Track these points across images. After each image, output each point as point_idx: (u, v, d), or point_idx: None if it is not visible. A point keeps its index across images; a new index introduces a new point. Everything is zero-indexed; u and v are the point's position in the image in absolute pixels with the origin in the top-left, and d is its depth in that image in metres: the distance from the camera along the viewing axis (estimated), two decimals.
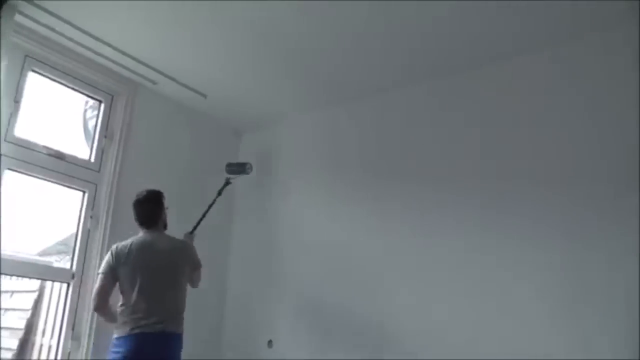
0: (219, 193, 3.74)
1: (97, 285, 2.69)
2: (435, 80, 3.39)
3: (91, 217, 3.27)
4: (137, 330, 2.54)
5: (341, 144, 3.80)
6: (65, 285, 3.16)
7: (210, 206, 3.61)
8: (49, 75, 3.22)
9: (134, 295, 2.61)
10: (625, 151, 2.58)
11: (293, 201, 3.95)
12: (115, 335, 2.61)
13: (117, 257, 2.69)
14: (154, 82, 3.60)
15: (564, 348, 2.53)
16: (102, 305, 2.65)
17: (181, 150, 3.94)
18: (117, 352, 2.53)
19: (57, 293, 3.27)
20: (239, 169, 3.94)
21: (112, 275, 2.68)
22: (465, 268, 2.96)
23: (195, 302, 3.75)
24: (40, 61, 3.13)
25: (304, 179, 3.94)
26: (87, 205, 3.29)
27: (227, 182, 3.84)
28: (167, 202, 2.96)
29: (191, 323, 3.68)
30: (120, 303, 2.68)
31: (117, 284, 2.70)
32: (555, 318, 2.60)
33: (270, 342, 3.68)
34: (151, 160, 3.68)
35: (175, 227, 3.63)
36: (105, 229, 3.27)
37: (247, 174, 3.94)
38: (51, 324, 3.19)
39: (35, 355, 3.16)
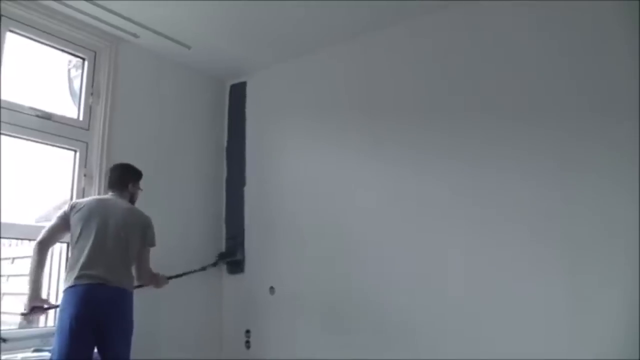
0: (204, 268, 3.78)
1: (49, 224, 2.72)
2: (424, 15, 3.33)
3: (85, 175, 3.27)
4: (77, 282, 2.52)
5: (329, 88, 3.77)
6: (65, 245, 3.17)
7: (192, 272, 3.59)
8: (28, 35, 3.14)
9: (79, 245, 2.63)
10: (624, 81, 2.55)
11: (285, 147, 3.95)
12: (62, 289, 2.61)
13: (73, 207, 2.74)
14: (136, 36, 3.53)
15: (563, 294, 2.59)
16: (45, 240, 2.66)
17: (168, 103, 3.91)
18: (63, 310, 2.51)
19: (57, 254, 3.30)
20: (228, 255, 4.06)
21: (64, 220, 2.71)
22: (460, 210, 3.01)
23: (194, 251, 3.83)
24: (17, 20, 3.04)
25: (296, 124, 3.93)
26: (80, 164, 3.28)
27: (215, 263, 3.97)
28: (142, 185, 3.06)
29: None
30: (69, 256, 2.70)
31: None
32: (552, 265, 2.65)
33: (272, 289, 3.74)
34: (139, 114, 3.66)
35: (165, 178, 3.71)
36: (99, 186, 3.27)
37: (238, 258, 4.00)
38: (55, 284, 3.22)
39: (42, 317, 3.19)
